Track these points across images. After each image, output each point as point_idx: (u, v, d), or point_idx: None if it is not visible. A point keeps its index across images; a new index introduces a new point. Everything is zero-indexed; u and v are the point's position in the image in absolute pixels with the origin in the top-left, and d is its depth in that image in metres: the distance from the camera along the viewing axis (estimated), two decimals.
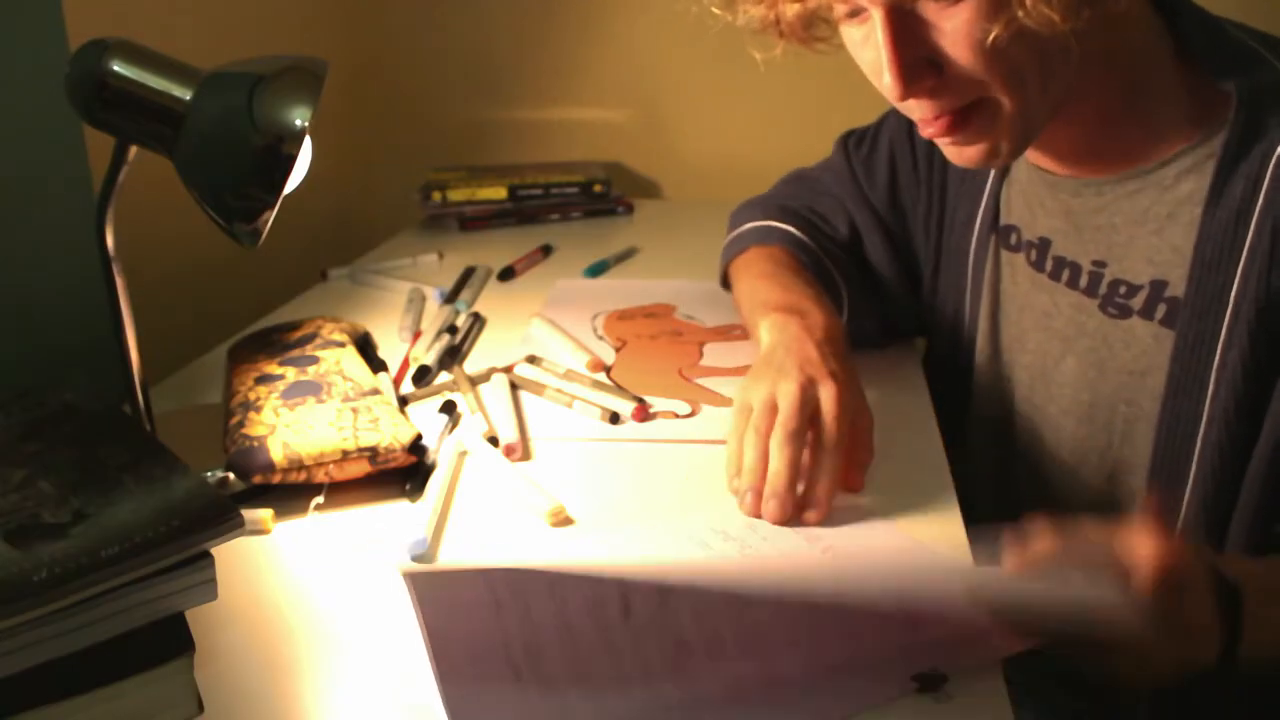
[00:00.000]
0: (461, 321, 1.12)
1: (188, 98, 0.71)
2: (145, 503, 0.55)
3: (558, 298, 1.21)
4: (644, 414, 0.89)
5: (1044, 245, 0.86)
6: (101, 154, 0.77)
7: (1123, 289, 0.80)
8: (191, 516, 0.53)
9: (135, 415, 0.80)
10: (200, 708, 0.54)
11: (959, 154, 0.77)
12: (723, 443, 0.83)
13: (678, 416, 0.90)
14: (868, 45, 0.72)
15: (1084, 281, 0.83)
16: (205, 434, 0.83)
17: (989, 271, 0.92)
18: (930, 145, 0.88)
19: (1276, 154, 0.70)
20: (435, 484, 0.77)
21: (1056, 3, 0.64)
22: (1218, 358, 0.73)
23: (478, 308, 1.18)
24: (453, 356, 1.02)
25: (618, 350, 1.05)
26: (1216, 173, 0.72)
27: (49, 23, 0.95)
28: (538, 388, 0.94)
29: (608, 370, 0.99)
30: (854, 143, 1.05)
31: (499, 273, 1.29)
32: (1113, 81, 0.76)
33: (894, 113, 0.97)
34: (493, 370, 0.98)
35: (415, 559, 0.68)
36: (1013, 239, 0.90)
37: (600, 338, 1.08)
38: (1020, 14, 0.65)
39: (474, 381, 0.96)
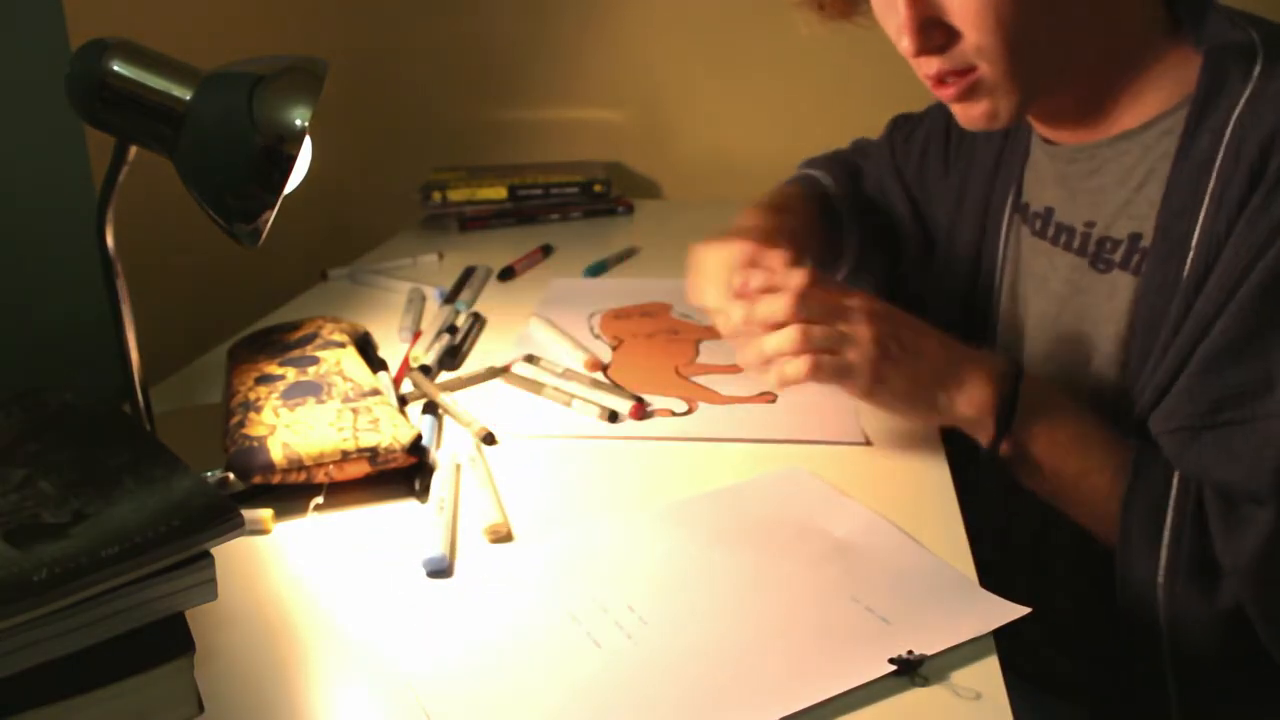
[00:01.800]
0: (461, 321, 1.12)
1: (188, 98, 0.71)
2: (145, 503, 0.55)
3: (554, 297, 1.21)
4: (641, 412, 0.89)
5: (1048, 214, 0.92)
6: (101, 154, 0.77)
7: (1108, 245, 0.85)
8: (191, 516, 0.53)
9: (135, 415, 0.80)
10: (200, 708, 0.54)
11: (965, 114, 0.84)
12: (722, 441, 0.84)
13: (674, 414, 0.90)
14: (891, 10, 0.79)
15: (1077, 243, 0.88)
16: (205, 434, 0.83)
17: (1013, 249, 0.98)
18: (961, 138, 1.03)
19: (1239, 108, 0.74)
20: (440, 493, 0.76)
21: None
22: (1178, 298, 0.77)
23: (478, 308, 1.18)
24: (453, 356, 1.03)
25: (614, 349, 1.05)
26: (1185, 128, 0.78)
27: (49, 23, 0.95)
28: (536, 386, 0.94)
29: (605, 369, 1.00)
30: (898, 124, 1.17)
31: (499, 273, 1.30)
32: (1108, 53, 0.81)
33: (938, 105, 1.07)
34: (491, 369, 0.99)
35: (432, 574, 0.68)
36: (1028, 214, 0.96)
37: (596, 336, 1.08)
38: None
39: (453, 386, 0.96)
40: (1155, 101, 0.82)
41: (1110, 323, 0.84)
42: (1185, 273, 0.76)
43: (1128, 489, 0.76)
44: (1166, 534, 0.74)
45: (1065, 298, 0.90)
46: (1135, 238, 0.83)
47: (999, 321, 1.00)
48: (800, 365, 0.77)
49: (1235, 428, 0.72)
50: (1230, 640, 0.72)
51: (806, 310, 0.78)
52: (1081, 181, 0.88)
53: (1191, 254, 0.76)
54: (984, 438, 0.79)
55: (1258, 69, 0.75)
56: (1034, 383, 0.80)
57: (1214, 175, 0.75)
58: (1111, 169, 0.85)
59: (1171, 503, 0.74)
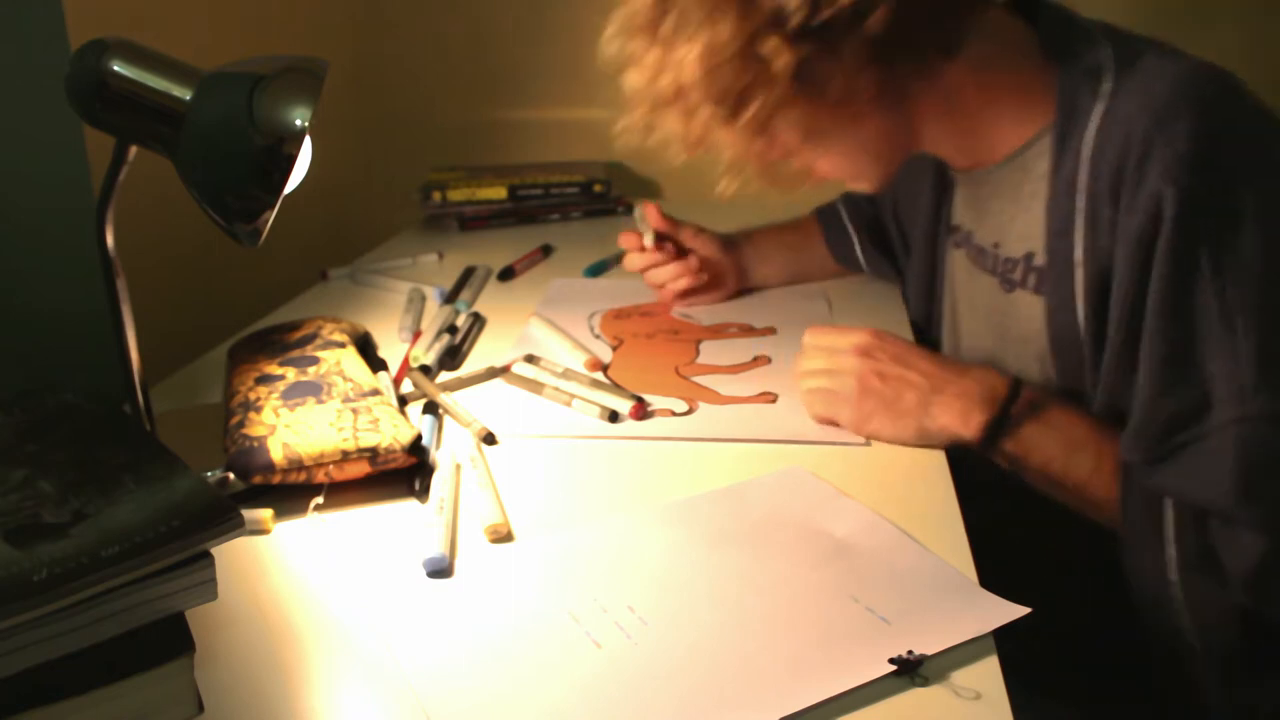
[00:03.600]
0: (461, 321, 1.12)
1: (188, 98, 0.71)
2: (145, 503, 0.55)
3: (554, 296, 1.21)
4: (641, 412, 0.89)
5: (969, 237, 0.97)
6: (101, 154, 0.77)
7: (1010, 264, 0.89)
8: (191, 516, 0.53)
9: (135, 415, 0.80)
10: (200, 708, 0.54)
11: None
12: (722, 441, 0.85)
13: (674, 414, 0.90)
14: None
15: (989, 263, 0.92)
16: (205, 434, 0.83)
17: (949, 270, 1.01)
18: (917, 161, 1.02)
19: (1093, 127, 0.77)
20: (440, 493, 0.76)
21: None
22: (1080, 314, 0.80)
23: (478, 308, 1.18)
24: (453, 356, 1.03)
25: (615, 349, 1.05)
26: (1053, 150, 0.81)
27: (49, 23, 0.95)
28: (536, 386, 0.94)
29: (605, 369, 1.00)
30: None
31: (499, 273, 1.30)
32: (978, 93, 0.84)
33: None
34: (491, 369, 0.99)
35: (432, 574, 0.68)
36: (956, 237, 0.99)
37: (597, 336, 1.08)
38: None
39: (453, 386, 0.96)
40: (1032, 122, 0.84)
41: (1031, 342, 0.87)
42: (1079, 292, 0.79)
43: (1121, 495, 0.77)
44: (1170, 530, 0.74)
45: (988, 317, 0.93)
46: (1029, 257, 0.86)
47: (943, 342, 1.04)
48: (805, 404, 0.88)
49: (1186, 450, 0.73)
50: (1251, 622, 0.72)
51: (809, 357, 0.88)
52: (984, 204, 0.92)
53: (1080, 273, 0.78)
54: (985, 454, 0.82)
55: (1108, 87, 0.77)
56: (1026, 399, 0.81)
57: (1082, 195, 0.77)
58: (1004, 191, 0.88)
59: (1169, 502, 0.75)
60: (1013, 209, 0.88)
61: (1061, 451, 0.80)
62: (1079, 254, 0.79)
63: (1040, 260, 0.84)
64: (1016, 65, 0.84)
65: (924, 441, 0.82)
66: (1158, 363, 0.73)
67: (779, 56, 0.74)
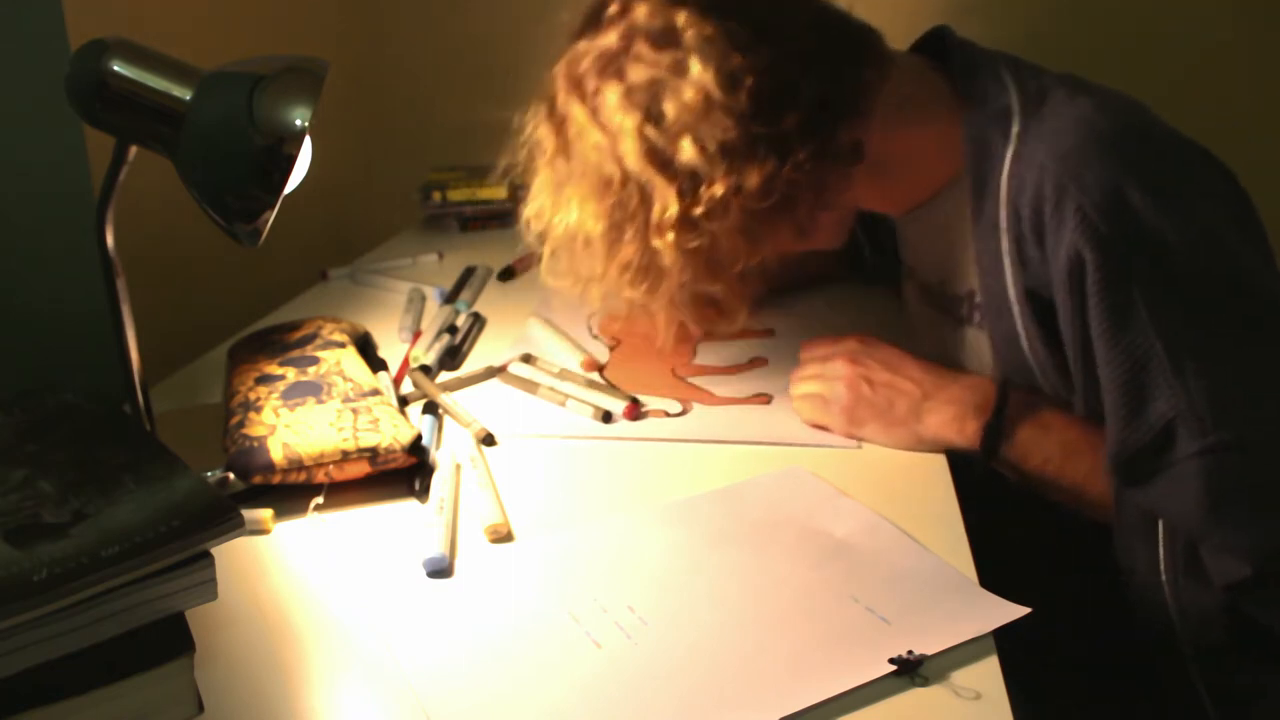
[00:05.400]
0: (462, 321, 1.12)
1: (188, 98, 0.71)
2: (145, 503, 0.55)
3: (553, 296, 1.20)
4: (635, 413, 0.89)
5: (913, 272, 0.99)
6: (102, 154, 0.77)
7: (954, 301, 0.91)
8: (191, 516, 0.54)
9: (135, 415, 0.80)
10: (200, 708, 0.54)
11: None
12: (714, 442, 0.85)
13: (668, 415, 0.90)
14: None
15: (936, 300, 0.94)
16: (205, 434, 0.83)
17: (907, 306, 1.03)
18: None
19: (1005, 170, 0.78)
20: (440, 493, 0.76)
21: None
22: (1027, 349, 0.80)
23: (478, 308, 1.18)
24: (453, 356, 1.03)
25: (612, 349, 1.05)
26: (971, 194, 0.82)
27: (49, 23, 0.95)
28: (531, 386, 0.94)
29: (601, 369, 0.99)
30: None
31: (499, 273, 1.29)
32: (883, 154, 0.84)
33: None
34: (490, 369, 0.99)
35: (432, 574, 0.68)
36: (905, 270, 1.02)
37: (595, 336, 1.08)
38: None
39: (452, 386, 0.96)
40: (950, 165, 0.85)
41: (984, 374, 0.87)
42: (1020, 328, 0.79)
43: (1115, 496, 0.77)
44: (1161, 532, 0.74)
45: (943, 351, 0.93)
46: (970, 294, 0.88)
47: None
48: (796, 410, 0.87)
49: (1157, 477, 0.73)
50: (1236, 620, 0.73)
51: (802, 367, 0.89)
52: (920, 245, 0.95)
53: (1017, 309, 0.79)
54: (979, 457, 0.81)
55: (1015, 129, 0.78)
56: (1019, 403, 0.81)
57: (1004, 236, 0.78)
58: (933, 232, 0.91)
59: None
60: (946, 249, 0.90)
61: (1058, 453, 0.80)
62: (1013, 294, 0.80)
63: (980, 298, 0.85)
64: (929, 113, 0.86)
65: (918, 448, 0.82)
66: (1116, 394, 0.73)
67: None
